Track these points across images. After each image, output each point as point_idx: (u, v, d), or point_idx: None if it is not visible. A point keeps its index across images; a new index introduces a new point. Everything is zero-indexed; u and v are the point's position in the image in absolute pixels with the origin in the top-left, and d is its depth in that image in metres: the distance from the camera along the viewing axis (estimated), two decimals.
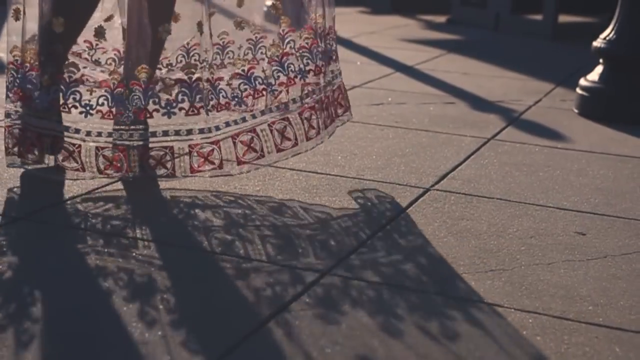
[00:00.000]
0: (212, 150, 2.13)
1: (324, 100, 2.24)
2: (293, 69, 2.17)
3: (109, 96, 2.08)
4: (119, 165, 2.10)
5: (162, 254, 1.73)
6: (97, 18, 2.12)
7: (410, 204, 2.09)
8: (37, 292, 1.53)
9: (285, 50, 2.16)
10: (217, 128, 2.13)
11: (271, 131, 2.17)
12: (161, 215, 1.96)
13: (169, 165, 2.14)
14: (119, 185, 2.12)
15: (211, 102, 2.12)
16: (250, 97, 2.15)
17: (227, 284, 1.61)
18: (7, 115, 2.16)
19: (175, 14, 2.18)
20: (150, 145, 2.13)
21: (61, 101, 2.10)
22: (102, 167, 2.10)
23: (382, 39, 5.20)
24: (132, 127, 2.09)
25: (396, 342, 1.41)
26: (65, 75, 2.08)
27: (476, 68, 4.24)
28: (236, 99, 2.13)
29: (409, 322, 1.48)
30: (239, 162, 2.16)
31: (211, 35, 2.10)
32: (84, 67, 2.11)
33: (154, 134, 2.13)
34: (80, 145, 2.10)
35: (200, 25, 2.08)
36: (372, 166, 2.40)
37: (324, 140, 2.27)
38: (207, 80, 2.11)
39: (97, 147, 2.10)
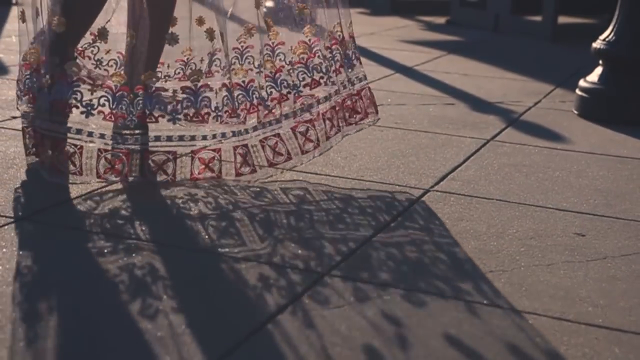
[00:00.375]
0: (213, 157, 2.14)
1: (324, 112, 2.24)
2: (286, 85, 2.17)
3: (110, 97, 2.08)
4: (119, 169, 2.10)
5: (162, 255, 1.73)
6: (101, 20, 2.13)
7: (410, 205, 2.09)
8: (37, 292, 1.53)
9: (277, 66, 2.16)
10: (223, 135, 2.14)
11: (262, 147, 2.18)
12: (162, 216, 1.96)
13: (169, 170, 2.14)
14: (120, 186, 2.12)
15: (226, 107, 2.13)
16: (245, 111, 2.16)
17: (227, 284, 1.61)
18: (24, 116, 2.17)
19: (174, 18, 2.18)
20: (153, 149, 2.13)
21: (63, 101, 2.10)
22: (102, 170, 2.10)
23: (381, 40, 5.20)
24: (137, 131, 2.09)
25: (396, 343, 1.41)
26: (67, 74, 2.08)
27: (476, 69, 4.25)
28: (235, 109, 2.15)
29: (409, 323, 1.48)
30: (237, 174, 2.17)
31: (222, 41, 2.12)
32: (85, 67, 2.11)
33: (158, 139, 2.13)
34: (82, 147, 2.10)
35: (211, 32, 2.10)
36: (371, 167, 2.40)
37: (327, 149, 2.27)
38: (224, 85, 2.12)
39: (99, 150, 2.10)
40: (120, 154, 2.09)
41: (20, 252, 1.70)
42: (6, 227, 1.83)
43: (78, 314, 1.47)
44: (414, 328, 1.46)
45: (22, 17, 2.14)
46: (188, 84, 2.12)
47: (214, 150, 2.15)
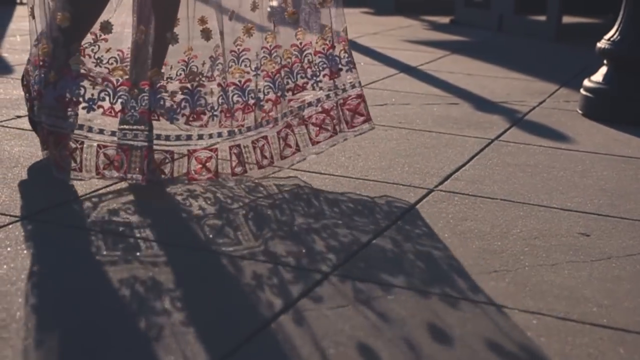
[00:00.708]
0: (210, 157, 2.14)
1: (308, 117, 2.23)
2: (281, 87, 2.18)
3: (110, 92, 2.09)
4: (118, 165, 2.10)
5: (165, 254, 1.73)
6: (103, 17, 2.13)
7: (414, 204, 2.09)
8: (41, 291, 1.54)
9: (276, 68, 2.17)
10: (220, 135, 2.14)
11: (254, 148, 2.18)
12: (165, 215, 1.96)
13: (167, 170, 2.14)
14: (124, 184, 2.12)
15: (221, 107, 2.13)
16: (240, 112, 2.16)
17: (230, 283, 1.61)
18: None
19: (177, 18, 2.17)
20: (154, 147, 2.13)
21: (67, 97, 2.11)
22: (101, 166, 2.10)
23: (385, 39, 5.20)
24: (136, 127, 2.09)
25: (399, 343, 1.41)
26: (72, 70, 2.08)
27: (480, 69, 4.24)
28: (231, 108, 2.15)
29: (412, 322, 1.48)
30: (232, 174, 2.17)
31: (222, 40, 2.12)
32: (86, 65, 2.12)
33: (158, 137, 2.13)
34: (82, 143, 2.11)
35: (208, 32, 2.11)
36: (375, 167, 2.40)
37: (306, 156, 2.25)
38: (219, 84, 2.12)
39: (98, 145, 2.10)
40: (120, 150, 2.09)
41: (24, 251, 1.70)
42: (10, 226, 1.83)
43: (81, 313, 1.47)
44: (416, 328, 1.46)
45: (32, 14, 2.14)
46: (187, 84, 2.13)
47: (210, 150, 2.15)
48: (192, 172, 2.14)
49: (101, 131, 2.11)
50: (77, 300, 1.52)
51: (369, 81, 3.71)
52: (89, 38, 2.11)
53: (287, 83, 2.20)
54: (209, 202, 2.05)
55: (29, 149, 2.39)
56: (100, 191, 2.08)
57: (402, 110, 3.18)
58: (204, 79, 2.14)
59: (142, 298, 1.53)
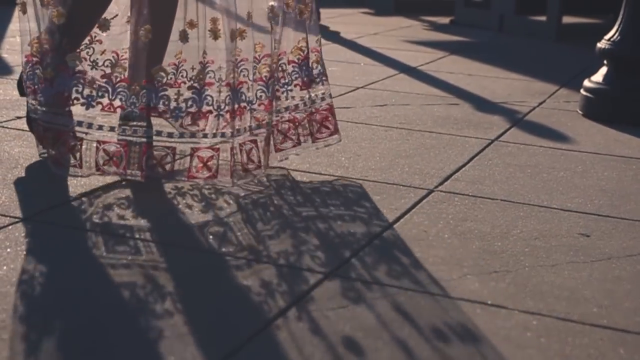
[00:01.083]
0: (212, 156, 2.14)
1: (275, 125, 2.24)
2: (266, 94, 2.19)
3: (109, 88, 2.09)
4: (117, 161, 2.10)
5: (165, 255, 1.73)
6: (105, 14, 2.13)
7: (414, 205, 2.09)
8: (41, 292, 1.53)
9: (268, 74, 2.17)
10: (223, 135, 2.14)
11: (240, 151, 2.18)
12: (165, 215, 1.96)
13: (168, 167, 2.14)
14: (124, 185, 2.12)
15: (227, 107, 2.13)
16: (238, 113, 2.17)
17: (231, 284, 1.61)
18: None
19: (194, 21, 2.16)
20: (154, 144, 2.13)
21: (65, 94, 2.11)
22: (101, 162, 2.10)
23: (385, 40, 5.20)
24: (135, 123, 2.09)
25: (400, 343, 1.41)
26: (69, 67, 2.09)
27: (480, 69, 4.24)
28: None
29: (413, 323, 1.48)
30: (231, 175, 2.16)
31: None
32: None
33: (159, 133, 2.13)
34: (82, 139, 2.11)
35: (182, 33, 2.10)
36: (375, 167, 2.40)
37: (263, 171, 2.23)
38: (227, 84, 2.12)
39: (98, 142, 2.10)
40: (119, 146, 2.10)
41: (24, 252, 1.70)
42: (10, 227, 1.83)
43: (81, 314, 1.47)
44: (417, 328, 1.46)
45: (23, 10, 2.14)
46: (195, 84, 2.12)
47: (213, 149, 2.15)
48: (193, 170, 2.14)
49: (100, 127, 2.11)
50: (77, 301, 1.52)
51: (369, 82, 3.71)
52: (84, 40, 2.12)
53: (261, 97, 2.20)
54: (208, 202, 2.05)
55: (29, 150, 2.39)
56: (100, 192, 2.08)
57: (402, 110, 3.18)
58: (204, 78, 2.14)
59: (142, 299, 1.53)
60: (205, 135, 2.14)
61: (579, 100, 3.32)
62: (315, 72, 2.30)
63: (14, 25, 5.06)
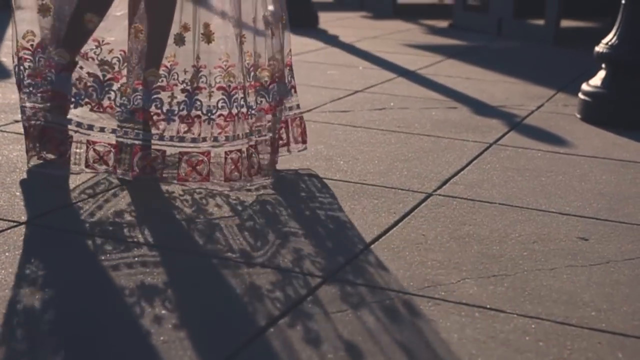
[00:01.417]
0: (201, 160, 2.14)
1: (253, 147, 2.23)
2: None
3: (97, 87, 2.10)
4: (107, 159, 2.11)
5: (164, 258, 1.73)
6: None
7: (413, 208, 2.09)
8: (39, 296, 1.53)
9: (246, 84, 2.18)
10: (216, 139, 2.14)
11: (225, 156, 2.18)
12: (163, 219, 1.96)
13: (158, 169, 2.14)
14: (121, 189, 2.12)
15: (220, 111, 2.14)
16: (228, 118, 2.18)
17: (228, 289, 1.61)
18: (23, 111, 2.20)
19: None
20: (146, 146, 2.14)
21: (52, 91, 2.14)
22: (91, 160, 2.12)
23: (384, 43, 5.21)
24: (126, 124, 2.10)
25: (399, 347, 1.41)
26: (56, 62, 2.11)
27: (478, 73, 4.25)
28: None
29: (412, 327, 1.48)
30: (226, 179, 2.16)
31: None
32: (82, 68, 2.13)
33: (151, 136, 2.14)
34: (71, 136, 2.13)
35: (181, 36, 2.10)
36: (374, 171, 2.40)
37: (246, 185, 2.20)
38: (221, 87, 2.13)
39: (88, 141, 2.12)
40: (108, 146, 2.11)
41: (22, 256, 1.70)
42: (8, 230, 1.83)
43: (79, 318, 1.46)
44: (416, 332, 1.46)
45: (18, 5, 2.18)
46: (187, 87, 2.13)
47: (202, 153, 2.15)
48: (182, 174, 2.14)
49: (90, 127, 2.14)
50: (76, 304, 1.52)
51: (368, 85, 3.72)
52: (91, 44, 2.13)
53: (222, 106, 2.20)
54: (206, 206, 2.05)
55: None
56: (98, 195, 2.08)
57: (400, 114, 3.18)
58: (196, 82, 2.14)
59: (141, 302, 1.53)
60: (194, 140, 2.14)
61: (577, 104, 3.33)
62: (287, 82, 2.29)
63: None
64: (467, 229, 1.96)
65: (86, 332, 1.42)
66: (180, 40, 2.10)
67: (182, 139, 2.14)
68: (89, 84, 2.12)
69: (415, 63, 4.44)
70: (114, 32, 2.14)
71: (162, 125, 2.13)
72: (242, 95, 2.15)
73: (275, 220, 1.98)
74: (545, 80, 4.05)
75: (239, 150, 2.16)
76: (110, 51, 2.13)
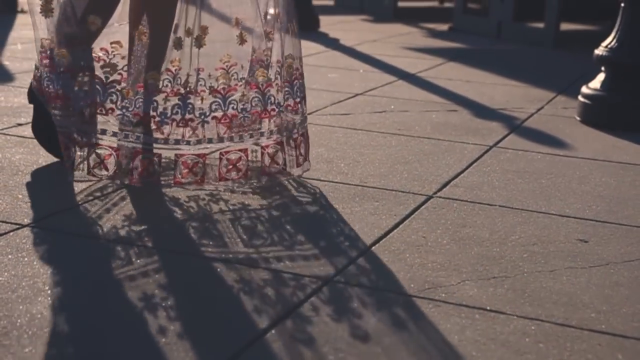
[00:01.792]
0: (197, 162, 2.14)
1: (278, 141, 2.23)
2: (272, 101, 2.20)
3: (100, 89, 2.11)
4: (107, 164, 2.12)
5: (164, 261, 1.74)
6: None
7: (413, 211, 2.10)
8: (42, 299, 1.54)
9: (266, 82, 2.19)
10: (210, 141, 2.14)
11: (262, 154, 2.19)
12: (163, 221, 1.97)
13: (155, 173, 2.15)
14: (123, 192, 2.13)
15: (214, 113, 2.14)
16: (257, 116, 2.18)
17: (228, 291, 1.62)
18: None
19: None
20: (145, 149, 2.15)
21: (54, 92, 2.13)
22: (92, 164, 2.11)
23: (384, 47, 5.22)
24: (127, 128, 2.10)
25: (399, 349, 1.42)
26: (56, 64, 2.11)
27: (478, 76, 4.26)
28: (245, 113, 2.16)
29: (412, 329, 1.49)
30: (220, 178, 2.17)
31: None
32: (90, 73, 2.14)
33: (149, 140, 2.15)
34: (78, 142, 2.12)
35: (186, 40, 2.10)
36: (375, 173, 2.41)
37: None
38: (215, 90, 2.13)
39: (90, 144, 2.11)
40: (109, 149, 2.11)
41: (25, 259, 1.71)
42: (11, 233, 1.84)
43: (81, 321, 1.47)
44: (416, 335, 1.47)
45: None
46: (181, 90, 2.13)
47: (198, 155, 2.15)
48: (178, 176, 2.14)
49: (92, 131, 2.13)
50: (78, 307, 1.52)
51: (368, 88, 3.73)
52: (99, 53, 2.13)
53: (287, 99, 2.21)
54: (206, 208, 2.06)
55: (30, 157, 2.40)
56: (101, 199, 2.08)
57: (401, 117, 3.19)
58: (191, 89, 2.14)
59: (141, 306, 1.53)
60: (187, 142, 2.14)
61: (577, 107, 3.33)
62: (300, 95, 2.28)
63: (16, 33, 5.08)
64: (467, 231, 1.97)
65: (88, 334, 1.42)
66: (178, 45, 2.11)
67: (177, 142, 2.14)
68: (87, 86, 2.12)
69: (415, 66, 4.45)
70: (117, 35, 2.15)
71: (166, 129, 2.14)
72: (272, 93, 2.16)
73: (275, 222, 1.98)
74: (545, 83, 4.05)
75: (242, 150, 2.16)
76: (124, 57, 2.13)
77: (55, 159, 2.37)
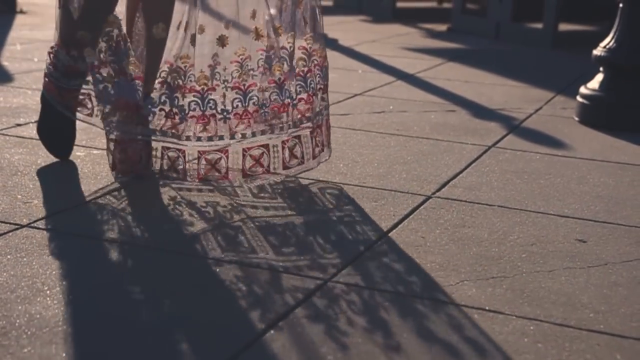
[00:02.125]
0: (220, 158, 2.16)
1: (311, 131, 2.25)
2: (288, 95, 2.20)
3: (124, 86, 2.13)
4: (136, 160, 2.16)
5: (164, 261, 1.74)
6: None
7: (412, 211, 2.10)
8: (40, 299, 1.54)
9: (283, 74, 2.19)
10: (233, 137, 2.16)
11: (283, 148, 2.20)
12: (163, 222, 1.97)
13: (180, 168, 2.16)
14: (123, 191, 2.13)
15: (235, 110, 2.15)
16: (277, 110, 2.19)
17: (229, 291, 1.62)
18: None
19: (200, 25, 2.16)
20: (169, 145, 2.16)
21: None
22: (117, 159, 2.17)
23: (383, 47, 5.22)
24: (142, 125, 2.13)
25: (398, 350, 1.42)
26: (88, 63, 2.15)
27: (477, 76, 4.26)
28: (264, 108, 2.17)
29: (411, 329, 1.49)
30: (244, 175, 2.18)
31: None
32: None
33: (164, 134, 2.16)
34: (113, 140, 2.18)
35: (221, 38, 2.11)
36: (373, 174, 2.41)
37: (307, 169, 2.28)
38: (235, 87, 2.14)
39: (115, 140, 2.16)
40: (135, 146, 2.13)
41: (24, 259, 1.71)
42: (10, 234, 1.84)
43: (81, 321, 1.47)
44: (414, 334, 1.47)
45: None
46: (196, 86, 2.14)
47: (220, 151, 2.16)
48: (202, 172, 2.16)
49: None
50: (77, 307, 1.52)
51: (367, 89, 3.73)
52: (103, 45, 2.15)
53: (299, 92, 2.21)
54: (206, 208, 2.06)
55: (29, 157, 2.40)
56: (100, 198, 2.09)
57: (399, 117, 3.19)
58: (209, 82, 2.14)
59: (140, 306, 1.53)
60: (210, 139, 2.15)
61: (576, 107, 3.34)
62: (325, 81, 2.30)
63: (15, 33, 5.08)
64: (466, 231, 1.98)
65: (85, 332, 1.43)
66: (192, 41, 2.11)
67: (199, 139, 2.15)
68: (117, 80, 2.14)
69: (414, 66, 4.45)
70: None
71: (182, 125, 2.14)
72: (286, 87, 2.17)
73: (274, 223, 1.99)
74: (544, 84, 4.06)
75: (263, 146, 2.18)
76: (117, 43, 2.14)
77: (55, 159, 2.37)
